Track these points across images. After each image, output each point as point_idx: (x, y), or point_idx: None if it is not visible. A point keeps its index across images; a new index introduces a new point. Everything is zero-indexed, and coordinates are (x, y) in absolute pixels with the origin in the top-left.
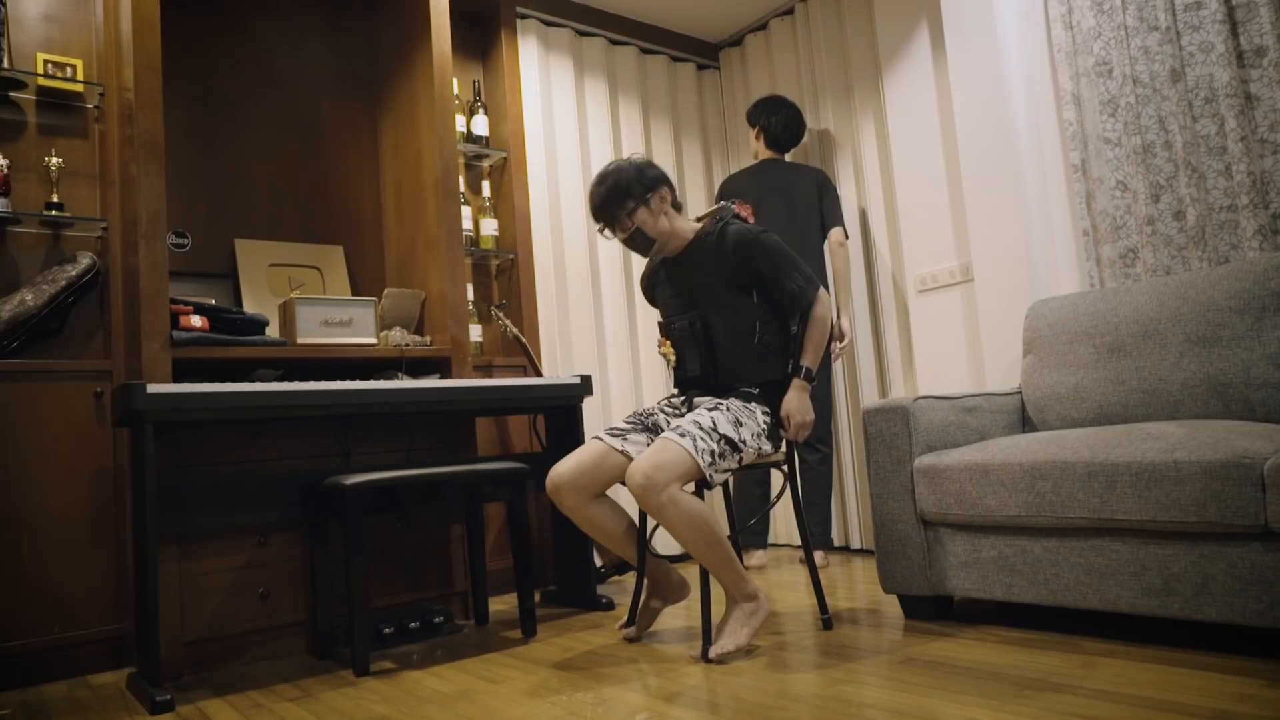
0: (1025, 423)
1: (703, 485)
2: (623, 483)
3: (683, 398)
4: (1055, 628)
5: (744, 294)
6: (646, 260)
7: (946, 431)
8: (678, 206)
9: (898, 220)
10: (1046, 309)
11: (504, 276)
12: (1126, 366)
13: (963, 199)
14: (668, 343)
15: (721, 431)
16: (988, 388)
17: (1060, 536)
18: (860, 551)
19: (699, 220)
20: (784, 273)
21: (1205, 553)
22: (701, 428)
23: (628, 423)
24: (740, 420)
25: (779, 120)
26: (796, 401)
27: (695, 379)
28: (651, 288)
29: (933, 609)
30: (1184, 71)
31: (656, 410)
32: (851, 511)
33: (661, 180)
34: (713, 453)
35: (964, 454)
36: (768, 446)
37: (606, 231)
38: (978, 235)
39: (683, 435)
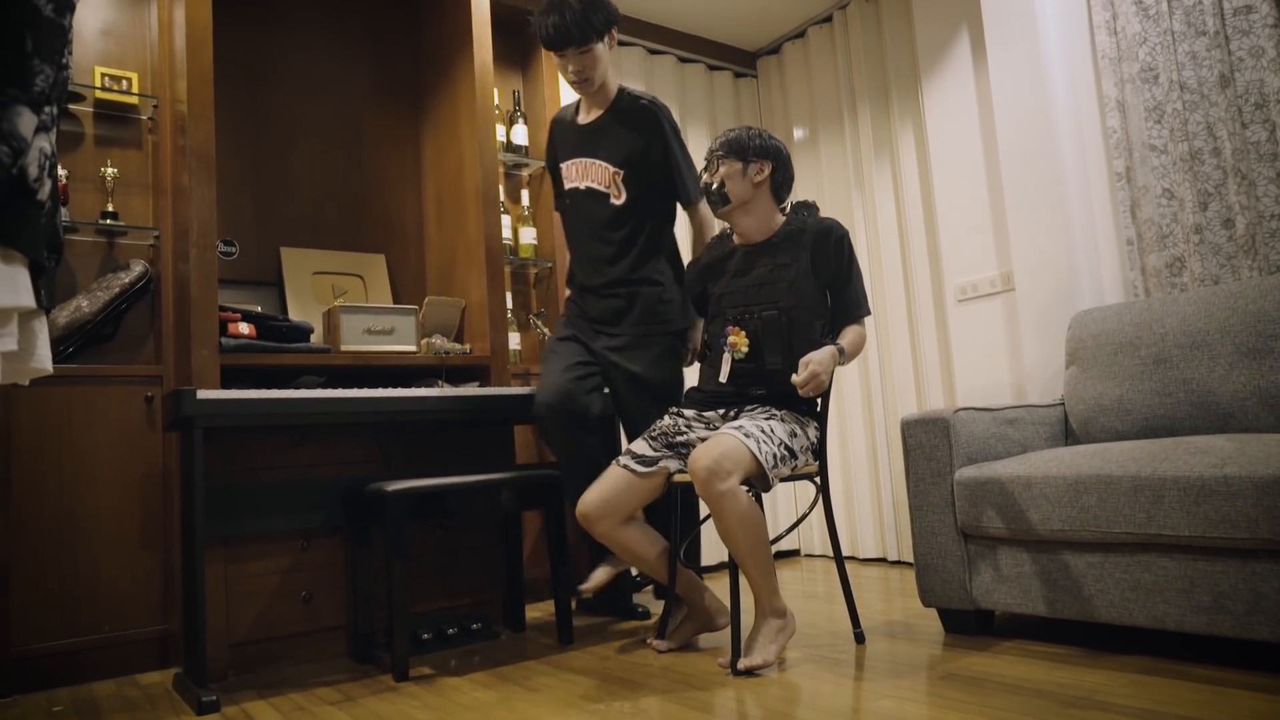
0: (1068, 435)
1: (761, 487)
2: (659, 499)
3: (722, 411)
4: (1100, 645)
5: (822, 293)
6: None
7: (987, 443)
8: (782, 194)
9: (936, 229)
10: (1090, 319)
11: (542, 285)
12: (1173, 378)
13: (1003, 207)
14: (742, 333)
15: (780, 437)
16: (1029, 399)
17: (1105, 552)
18: (898, 564)
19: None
20: (856, 279)
21: (1257, 570)
22: (762, 431)
23: (653, 447)
24: (795, 432)
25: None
26: (823, 355)
27: (769, 374)
28: (706, 278)
29: (973, 623)
30: (1233, 77)
31: (682, 428)
32: (888, 523)
33: (766, 153)
34: (774, 455)
35: (1006, 466)
36: (811, 459)
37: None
38: (1019, 244)
39: (747, 435)
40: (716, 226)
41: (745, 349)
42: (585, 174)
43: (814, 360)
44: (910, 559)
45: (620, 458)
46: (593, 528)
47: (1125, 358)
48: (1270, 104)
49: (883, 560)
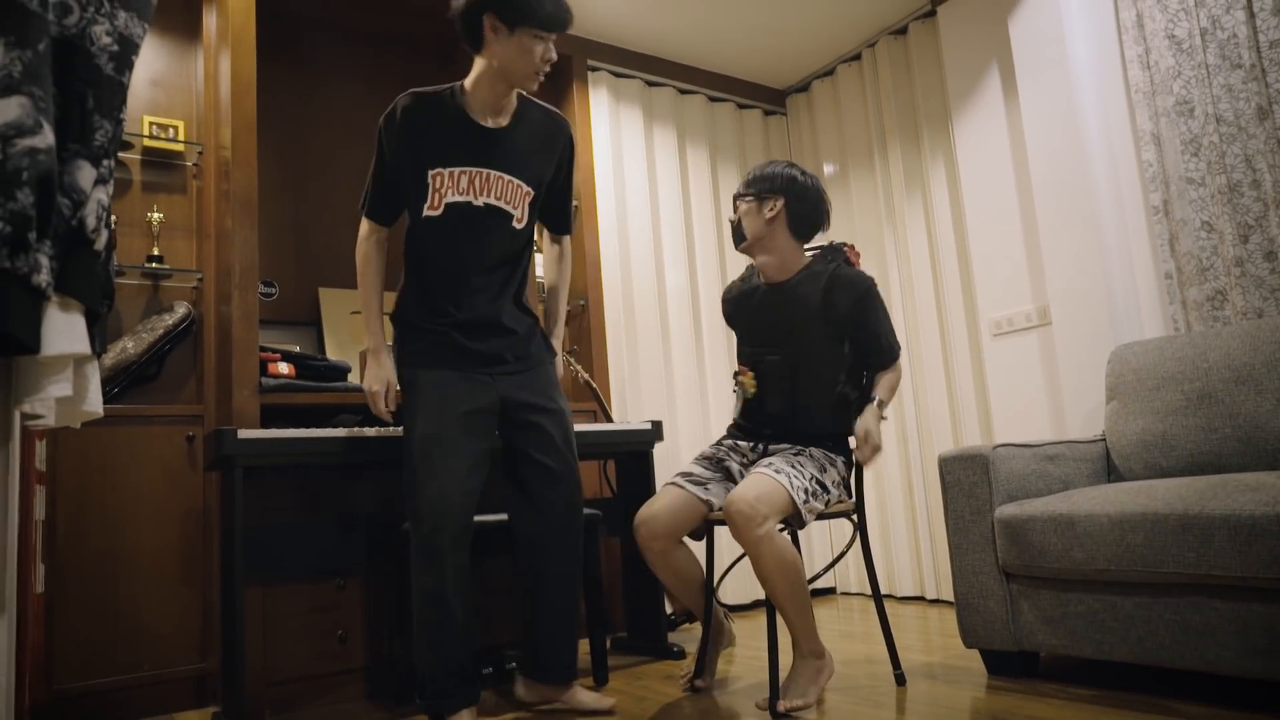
0: (1110, 471)
1: (795, 525)
2: (695, 534)
3: (752, 443)
4: (1150, 689)
5: (837, 341)
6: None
7: (1028, 480)
8: (805, 230)
9: (970, 263)
10: (1130, 353)
11: (575, 322)
12: (1218, 413)
13: (1038, 241)
14: (750, 373)
15: (811, 473)
16: (1069, 435)
17: (1153, 592)
18: (936, 602)
19: (810, 253)
20: (882, 330)
21: None
22: (793, 468)
23: (704, 469)
24: (825, 467)
25: None
26: (873, 422)
27: (771, 418)
28: (735, 310)
29: (1018, 665)
30: (1271, 109)
31: (725, 456)
32: (926, 560)
33: (777, 188)
34: (806, 491)
35: (1047, 504)
36: (845, 495)
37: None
38: (1055, 278)
39: (777, 472)
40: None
41: (753, 390)
42: (486, 188)
43: (869, 433)
44: (949, 597)
45: (674, 477)
46: (651, 544)
47: (1168, 392)
48: None
49: (921, 598)
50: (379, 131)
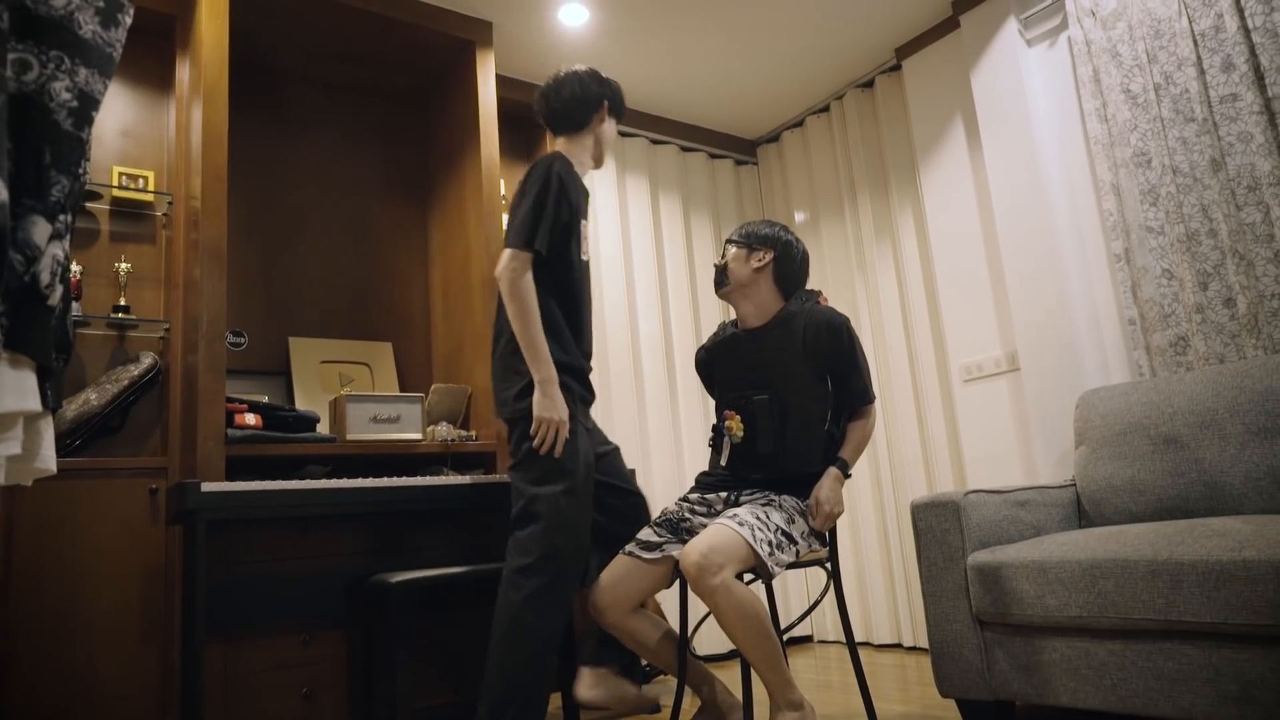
0: (1081, 516)
1: (763, 576)
2: (668, 585)
3: (723, 494)
4: None
5: (820, 379)
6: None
7: (1000, 526)
8: (788, 286)
9: (939, 309)
10: (1097, 399)
11: None
12: (1184, 458)
13: (1005, 289)
14: (737, 417)
15: (777, 523)
16: (1039, 480)
17: (1126, 639)
18: (914, 649)
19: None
20: (858, 368)
21: None
22: (758, 518)
23: (658, 534)
24: (793, 519)
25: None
26: (829, 490)
27: (762, 458)
28: (713, 360)
29: (994, 715)
30: (1224, 161)
31: (685, 514)
32: (903, 607)
33: (769, 243)
34: (770, 543)
35: (1019, 550)
36: (816, 544)
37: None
38: (1022, 325)
39: (740, 524)
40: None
41: (741, 433)
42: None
43: (820, 497)
44: (926, 644)
45: (627, 545)
46: (602, 617)
47: (1135, 438)
48: (1263, 187)
49: (898, 646)
50: (559, 176)
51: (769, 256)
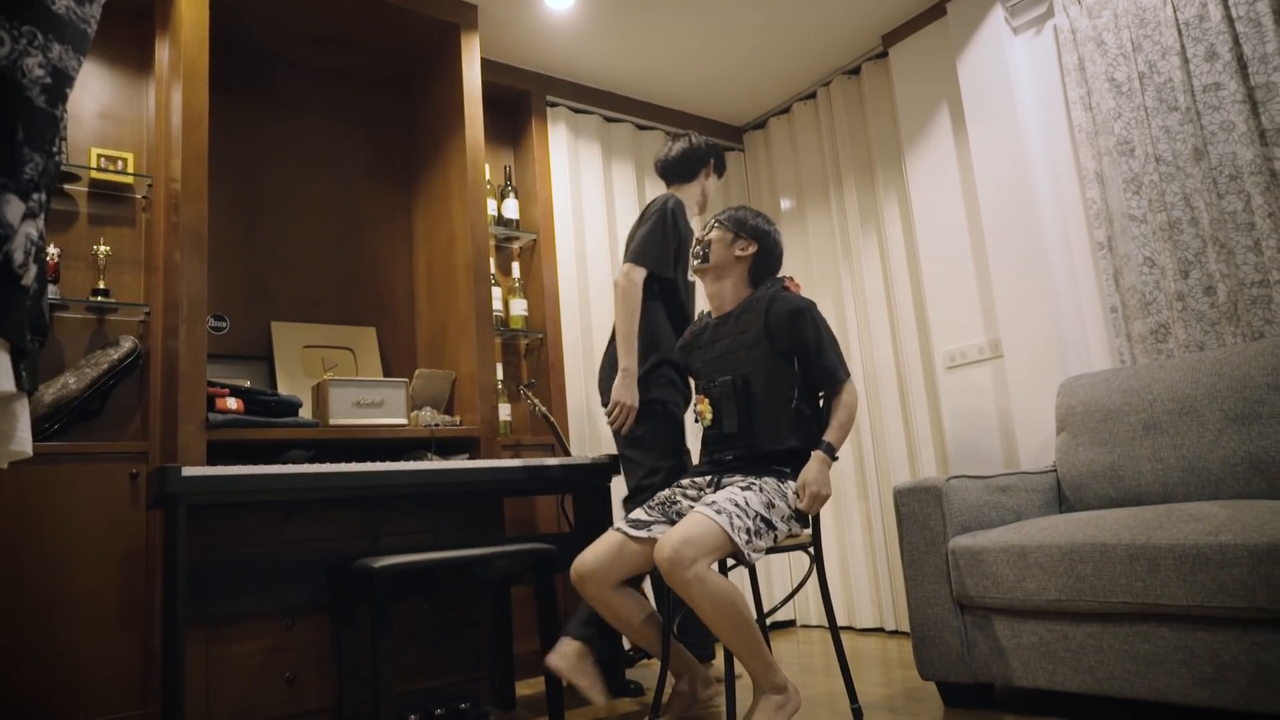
0: (1062, 502)
1: (742, 564)
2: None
3: (709, 477)
4: (1102, 718)
5: (786, 361)
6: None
7: (981, 511)
8: (760, 277)
9: (924, 297)
10: (1079, 385)
11: (533, 356)
12: (1164, 444)
13: (989, 276)
14: (706, 401)
15: (755, 509)
16: (1021, 466)
17: (1104, 622)
18: (896, 633)
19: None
20: (826, 348)
21: (1258, 640)
22: (736, 504)
23: (649, 513)
24: (773, 502)
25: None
26: (815, 472)
27: (730, 437)
28: (690, 350)
29: (974, 697)
30: (1207, 150)
31: (678, 496)
32: (885, 592)
33: (755, 236)
34: (749, 530)
35: (1000, 535)
36: (797, 527)
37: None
38: (1005, 312)
39: (718, 511)
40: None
41: (710, 416)
42: None
43: (806, 479)
44: (907, 629)
45: (618, 523)
46: (584, 588)
47: (1115, 424)
48: (1244, 175)
49: (880, 630)
50: (672, 212)
51: (752, 248)
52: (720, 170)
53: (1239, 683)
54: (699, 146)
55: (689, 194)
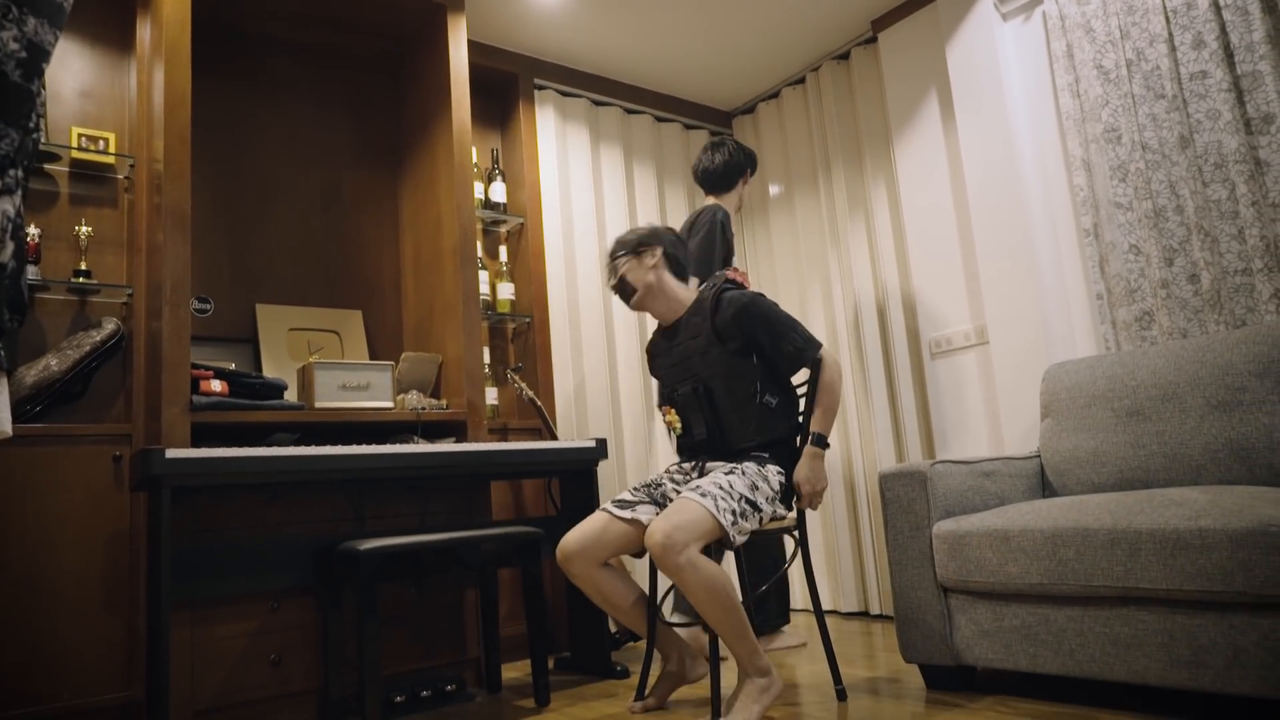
0: (1045, 487)
1: (725, 546)
2: (635, 554)
3: (693, 463)
4: (1082, 700)
5: (743, 356)
6: (651, 321)
7: (965, 496)
8: (683, 271)
9: (911, 283)
10: (1063, 372)
11: (520, 340)
12: (1147, 430)
13: (976, 263)
14: (672, 410)
15: (740, 491)
16: (1006, 451)
17: (1084, 605)
18: (880, 618)
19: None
20: (780, 335)
21: (1235, 623)
22: (720, 488)
23: (634, 494)
24: (756, 484)
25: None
26: (807, 470)
27: (702, 444)
28: (654, 358)
29: (955, 679)
30: (1192, 138)
31: (664, 480)
32: (870, 576)
33: (651, 241)
34: (734, 512)
35: (984, 520)
36: (781, 510)
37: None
38: (992, 299)
39: (704, 495)
40: None
41: (678, 425)
42: None
43: (799, 478)
44: (891, 613)
45: (605, 503)
46: (569, 567)
47: (1099, 410)
48: (1229, 164)
49: (865, 614)
50: (722, 224)
51: (658, 252)
52: (754, 174)
53: (1216, 665)
54: (738, 156)
55: (729, 201)
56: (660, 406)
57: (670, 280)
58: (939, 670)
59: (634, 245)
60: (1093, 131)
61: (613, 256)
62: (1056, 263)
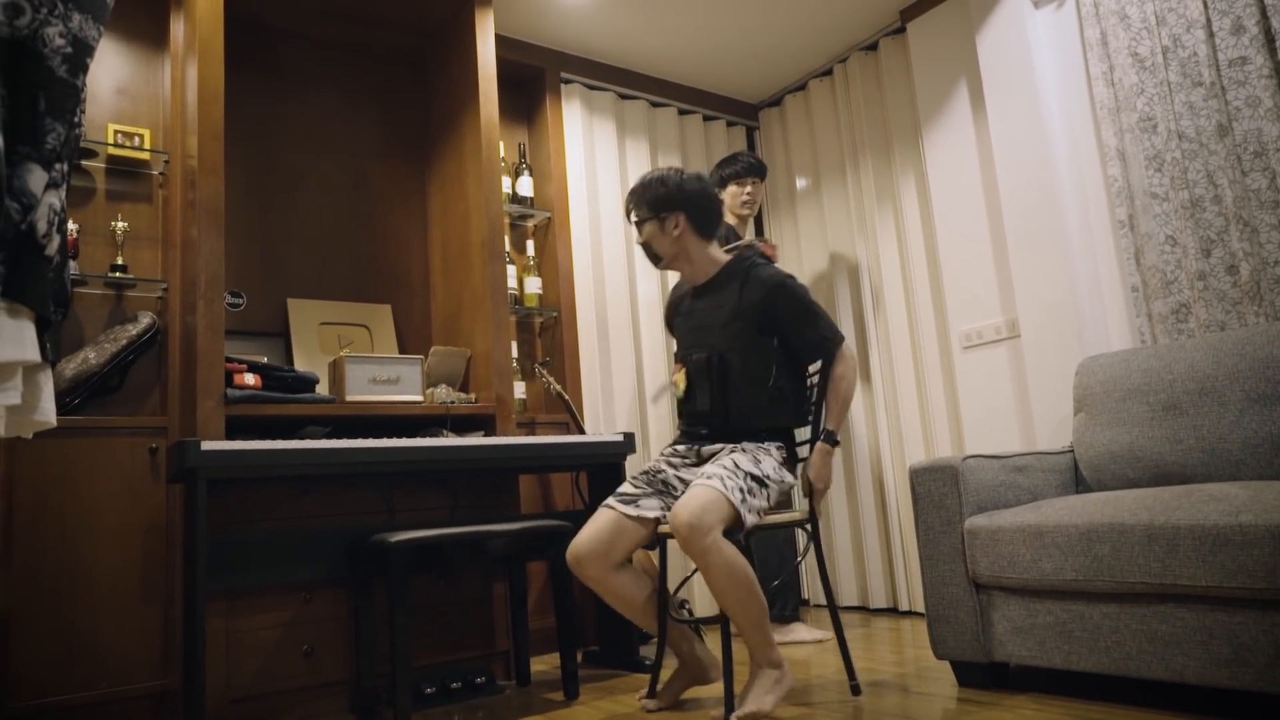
0: (1079, 483)
1: (739, 529)
2: (648, 546)
3: (688, 445)
4: (1118, 698)
5: (764, 335)
6: (671, 287)
7: (997, 491)
8: (711, 231)
9: (940, 277)
10: (1097, 365)
11: (547, 334)
12: (1183, 425)
13: (1007, 255)
14: (683, 371)
15: (745, 469)
16: (1038, 446)
17: (1120, 602)
18: (909, 614)
19: (728, 253)
20: (807, 322)
21: (1277, 621)
22: (725, 468)
23: (636, 486)
24: (758, 458)
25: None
26: (819, 466)
27: (703, 415)
28: (673, 316)
29: (988, 677)
30: (1231, 126)
31: (663, 466)
32: (899, 572)
33: (673, 205)
34: (742, 489)
35: (1016, 515)
36: (789, 477)
37: (632, 215)
38: (1023, 291)
39: (710, 478)
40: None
41: (683, 388)
42: None
43: (813, 481)
44: (921, 609)
45: (608, 499)
46: (582, 571)
47: (1134, 404)
48: (1269, 152)
49: (893, 610)
50: (726, 238)
51: (681, 220)
52: (724, 183)
53: (1258, 664)
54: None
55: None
56: (676, 363)
57: (696, 244)
58: (971, 667)
59: (656, 208)
60: (1128, 120)
61: (635, 208)
62: (1090, 255)
